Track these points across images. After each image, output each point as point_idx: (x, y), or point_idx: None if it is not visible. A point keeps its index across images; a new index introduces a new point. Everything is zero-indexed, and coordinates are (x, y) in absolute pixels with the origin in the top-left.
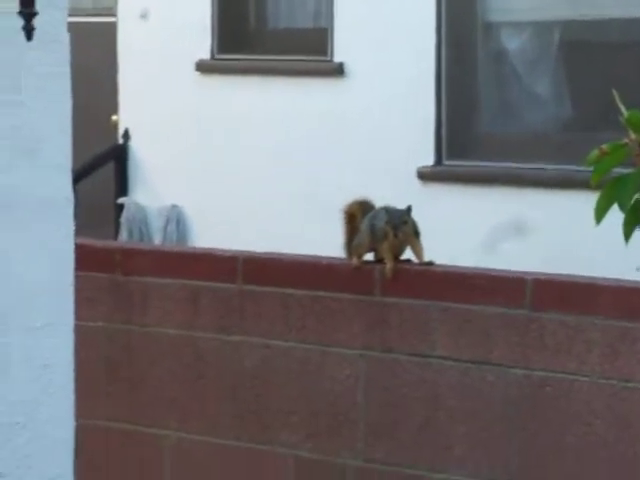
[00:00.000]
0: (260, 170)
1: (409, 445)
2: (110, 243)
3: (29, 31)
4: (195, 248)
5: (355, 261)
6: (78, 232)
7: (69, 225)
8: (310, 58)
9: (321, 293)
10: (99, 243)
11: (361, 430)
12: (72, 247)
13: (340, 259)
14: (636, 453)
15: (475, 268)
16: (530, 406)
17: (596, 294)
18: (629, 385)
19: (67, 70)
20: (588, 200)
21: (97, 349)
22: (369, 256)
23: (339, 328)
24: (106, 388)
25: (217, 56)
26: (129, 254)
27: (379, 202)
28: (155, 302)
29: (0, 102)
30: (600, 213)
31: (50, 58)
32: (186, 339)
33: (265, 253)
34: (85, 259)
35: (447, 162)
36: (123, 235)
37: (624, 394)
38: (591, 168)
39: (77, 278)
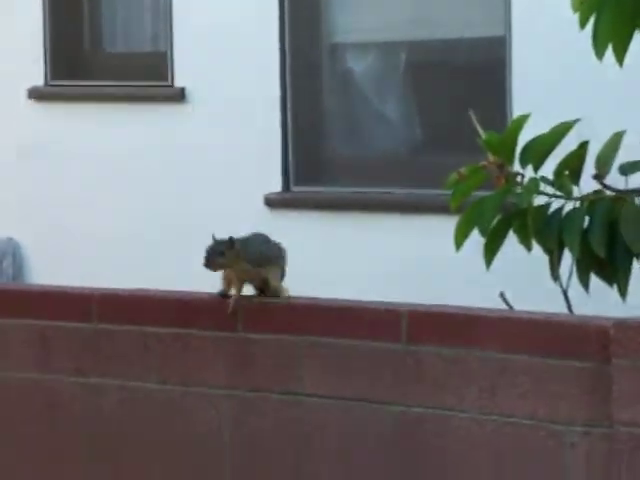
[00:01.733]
0: (99, 199)
1: None
2: None
3: None
4: (43, 286)
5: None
6: None
7: None
8: (150, 83)
9: (181, 330)
10: None
11: (228, 476)
12: None
13: (199, 294)
14: None
15: (345, 300)
16: (408, 444)
17: (474, 325)
18: (510, 420)
19: None
20: (444, 224)
21: None
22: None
23: (202, 367)
24: None
25: (51, 82)
26: None
27: (228, 232)
28: (2, 345)
29: None
30: (460, 238)
31: None
32: (37, 383)
33: (121, 289)
34: None
35: (295, 188)
36: None
37: (505, 430)
38: (449, 191)
39: None
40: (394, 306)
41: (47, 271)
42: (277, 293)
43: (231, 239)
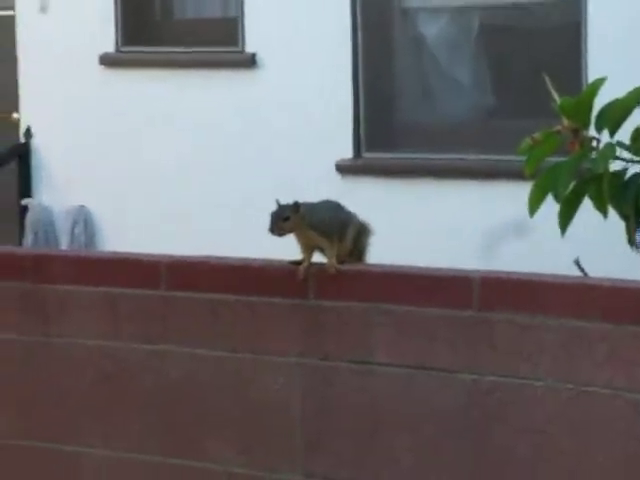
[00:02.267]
0: (172, 168)
1: (351, 458)
2: (19, 249)
3: None
4: (113, 253)
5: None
6: None
7: None
8: (220, 49)
9: (252, 298)
10: (5, 249)
11: (298, 443)
12: None
13: (271, 261)
14: (595, 463)
15: (417, 267)
16: (479, 414)
17: (547, 292)
18: (587, 389)
19: None
20: (518, 191)
21: (11, 363)
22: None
23: (272, 335)
24: (21, 403)
25: (122, 49)
26: (40, 260)
27: (299, 197)
28: (72, 311)
29: None
30: (534, 204)
31: None
32: (106, 350)
33: (190, 257)
34: None
35: (366, 154)
36: (28, 238)
37: (581, 399)
38: (522, 157)
39: None
40: (466, 273)
41: (119, 239)
42: (329, 268)
43: (296, 203)
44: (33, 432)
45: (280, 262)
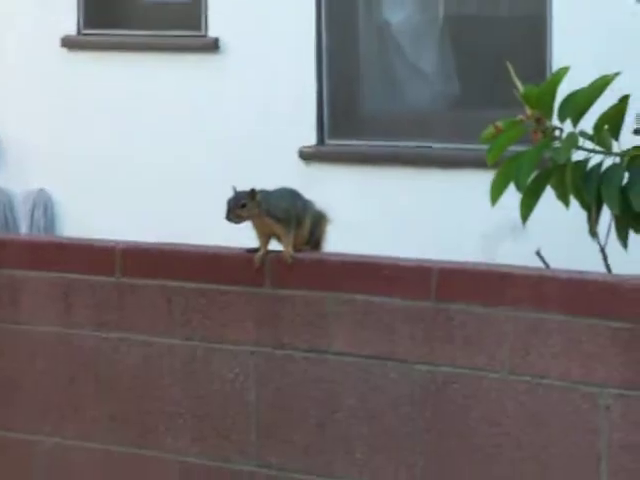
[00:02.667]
0: (131, 152)
1: (306, 449)
2: None
3: None
4: (67, 238)
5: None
6: None
7: None
8: (183, 33)
9: (207, 285)
10: None
11: (253, 433)
12: None
13: (227, 248)
14: (550, 455)
15: (376, 256)
16: (436, 405)
17: (506, 283)
18: (543, 382)
19: None
20: (480, 180)
21: None
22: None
23: (227, 323)
24: None
25: (84, 31)
26: None
27: (261, 184)
28: (25, 297)
29: None
30: (496, 193)
31: None
32: (60, 336)
33: (145, 243)
34: None
35: (330, 141)
36: None
37: (537, 391)
38: (485, 146)
39: None
40: (424, 262)
41: (78, 223)
42: (285, 256)
43: (253, 190)
44: None
45: (236, 249)
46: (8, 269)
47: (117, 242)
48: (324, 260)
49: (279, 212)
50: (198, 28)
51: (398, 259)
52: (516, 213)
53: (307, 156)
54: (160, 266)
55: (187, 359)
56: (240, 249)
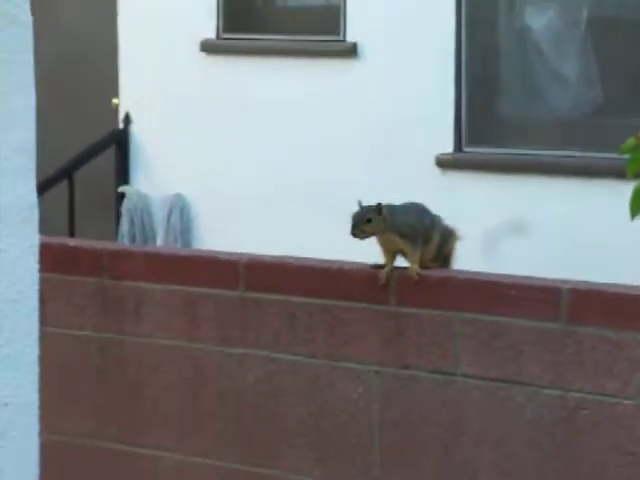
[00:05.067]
0: (270, 156)
1: (429, 472)
2: (98, 244)
3: None
4: (192, 250)
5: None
6: (76, 223)
7: (33, 237)
8: (321, 38)
9: (331, 302)
10: (85, 244)
11: (376, 455)
12: (36, 265)
13: (352, 263)
14: None
15: (503, 275)
16: (565, 431)
17: (639, 306)
18: None
19: (29, 57)
20: (621, 191)
21: (85, 360)
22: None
23: (351, 341)
24: (93, 403)
25: (223, 36)
26: (118, 256)
27: (395, 192)
28: (148, 309)
29: None
30: (636, 207)
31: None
32: (183, 350)
33: (269, 256)
34: (72, 261)
35: (467, 149)
36: (124, 226)
37: None
38: (626, 156)
39: (63, 282)
40: (554, 282)
41: (215, 229)
42: (411, 274)
43: (379, 205)
44: (108, 433)
45: (361, 265)
46: (131, 281)
47: (241, 255)
48: (450, 278)
49: (405, 228)
50: (336, 33)
51: (526, 278)
52: None
53: (444, 163)
54: (284, 280)
55: (310, 377)
56: (365, 265)
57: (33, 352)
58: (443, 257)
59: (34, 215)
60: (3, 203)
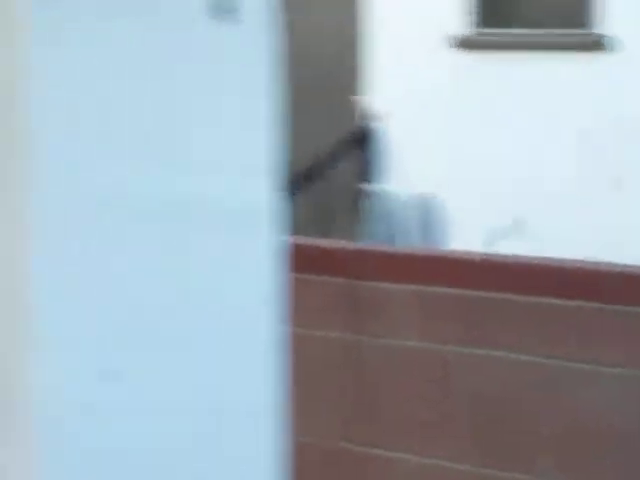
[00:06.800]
0: (525, 157)
1: None
2: (340, 244)
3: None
4: (426, 249)
5: None
6: (319, 223)
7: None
8: (568, 32)
9: (585, 304)
10: (332, 244)
11: (626, 469)
12: (284, 266)
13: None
14: None
15: None
16: None
17: None
18: None
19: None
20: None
21: (331, 362)
22: None
23: (599, 344)
24: (338, 405)
25: (478, 30)
26: (360, 256)
27: None
28: (388, 310)
29: None
30: None
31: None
32: (423, 352)
33: (501, 255)
34: (315, 261)
35: None
36: (370, 226)
37: None
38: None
39: (309, 283)
40: None
41: (469, 231)
42: None
43: None
44: (349, 434)
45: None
46: (370, 281)
47: (476, 254)
48: None
49: None
50: (588, 26)
51: None
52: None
53: None
54: (523, 281)
55: (552, 378)
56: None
57: (278, 354)
58: None
59: (279, 215)
60: (249, 203)
